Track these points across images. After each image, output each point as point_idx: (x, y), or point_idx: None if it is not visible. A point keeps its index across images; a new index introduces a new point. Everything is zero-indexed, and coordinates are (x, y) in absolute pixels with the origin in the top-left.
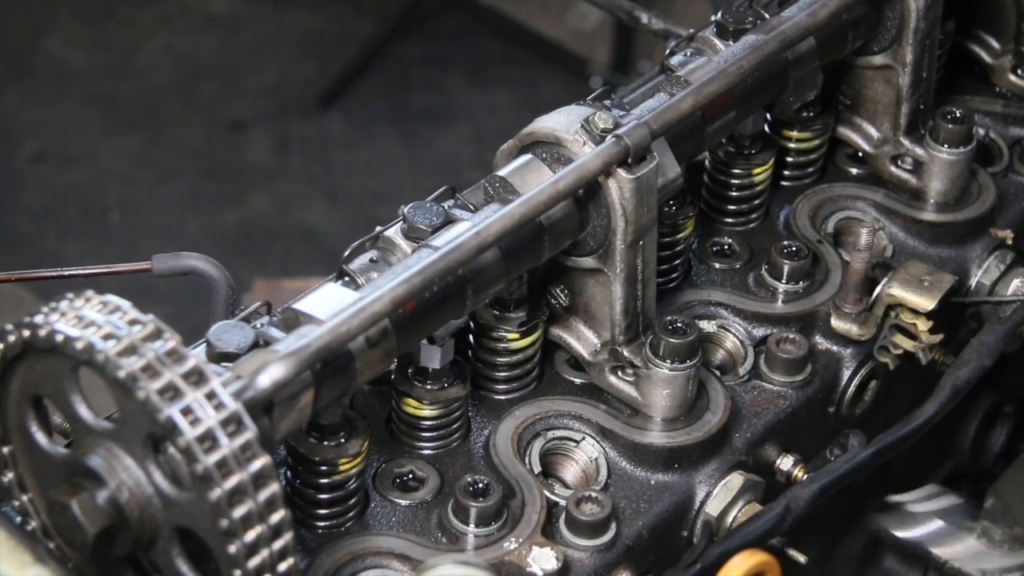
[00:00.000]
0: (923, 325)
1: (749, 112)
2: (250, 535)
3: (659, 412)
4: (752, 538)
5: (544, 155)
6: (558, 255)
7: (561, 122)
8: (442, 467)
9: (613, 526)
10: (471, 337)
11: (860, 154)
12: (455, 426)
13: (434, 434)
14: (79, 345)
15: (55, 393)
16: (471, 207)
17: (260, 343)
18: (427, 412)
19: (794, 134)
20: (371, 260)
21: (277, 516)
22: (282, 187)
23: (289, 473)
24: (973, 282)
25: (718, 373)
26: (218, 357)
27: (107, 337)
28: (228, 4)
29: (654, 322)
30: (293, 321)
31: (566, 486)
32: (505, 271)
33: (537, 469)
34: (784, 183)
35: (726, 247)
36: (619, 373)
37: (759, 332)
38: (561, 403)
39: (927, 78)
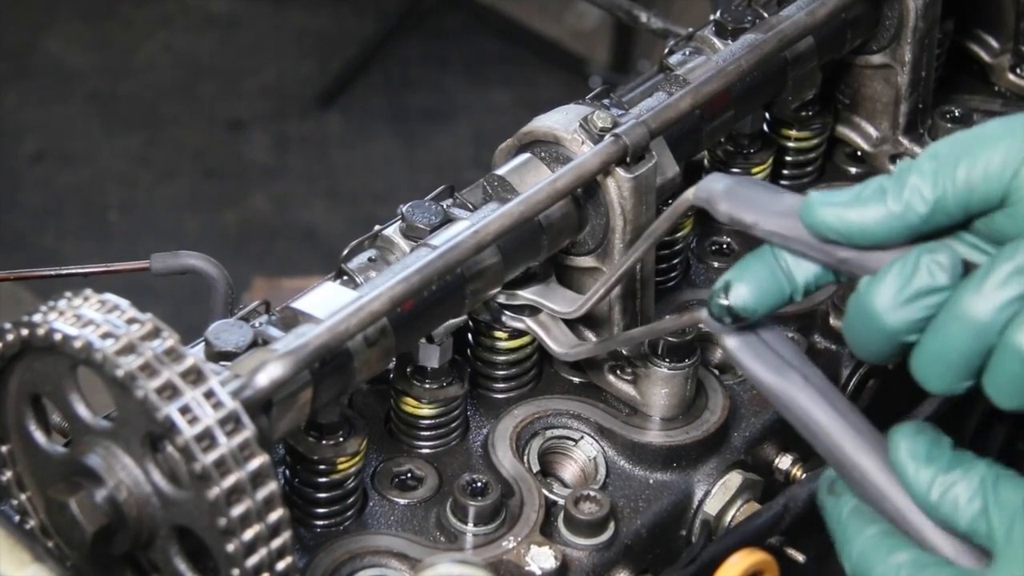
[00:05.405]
0: None
1: (748, 111)
2: (248, 534)
3: (658, 411)
4: (750, 537)
5: (543, 154)
6: (556, 254)
7: (560, 121)
8: (440, 466)
9: (611, 525)
10: (470, 336)
11: (859, 153)
12: (454, 425)
13: (433, 433)
14: (77, 344)
15: (53, 392)
16: (470, 206)
17: (259, 342)
18: (426, 411)
19: (793, 133)
20: (370, 259)
21: (275, 515)
22: (281, 186)
23: (287, 472)
24: None
25: (717, 372)
26: (216, 356)
27: (105, 336)
28: (228, 4)
29: (652, 322)
30: (292, 320)
31: (565, 485)
32: (503, 270)
33: (536, 468)
34: (783, 182)
35: (725, 246)
36: (618, 372)
37: None
38: (560, 402)
39: (926, 77)
